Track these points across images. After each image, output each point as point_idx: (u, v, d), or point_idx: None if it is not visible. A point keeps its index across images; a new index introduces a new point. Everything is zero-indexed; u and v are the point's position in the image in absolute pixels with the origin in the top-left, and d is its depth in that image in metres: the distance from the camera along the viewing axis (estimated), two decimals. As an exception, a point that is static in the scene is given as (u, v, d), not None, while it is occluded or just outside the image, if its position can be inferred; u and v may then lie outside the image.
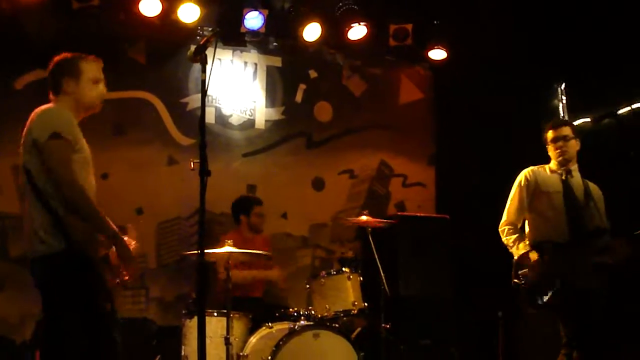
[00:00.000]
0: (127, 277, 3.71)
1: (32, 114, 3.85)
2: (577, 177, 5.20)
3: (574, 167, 5.23)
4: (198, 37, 7.56)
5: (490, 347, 6.87)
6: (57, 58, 4.00)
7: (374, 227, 6.13)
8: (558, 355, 4.93)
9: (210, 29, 7.58)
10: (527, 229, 5.22)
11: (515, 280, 5.01)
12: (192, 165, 3.40)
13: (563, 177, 5.14)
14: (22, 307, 6.43)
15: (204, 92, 3.22)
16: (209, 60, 3.32)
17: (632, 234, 4.74)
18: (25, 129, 3.83)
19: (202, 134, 3.23)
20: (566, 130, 5.21)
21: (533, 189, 5.16)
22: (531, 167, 5.26)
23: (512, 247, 5.10)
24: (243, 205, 7.02)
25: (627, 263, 4.78)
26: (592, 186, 5.21)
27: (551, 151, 5.23)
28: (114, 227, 3.71)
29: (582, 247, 4.85)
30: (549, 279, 4.77)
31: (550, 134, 5.23)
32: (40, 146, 3.65)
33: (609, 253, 4.78)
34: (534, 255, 4.93)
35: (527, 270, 4.92)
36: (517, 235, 5.12)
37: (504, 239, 5.17)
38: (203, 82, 3.24)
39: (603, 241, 4.87)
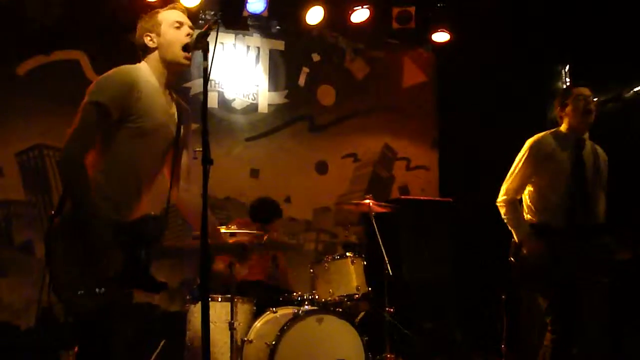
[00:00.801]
0: None
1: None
2: (587, 145, 4.90)
3: (586, 135, 4.93)
4: (201, 21, 7.54)
5: (493, 329, 6.87)
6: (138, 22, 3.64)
7: (377, 210, 6.14)
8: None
9: (212, 12, 7.58)
10: (524, 204, 4.94)
11: (512, 259, 4.86)
12: (195, 154, 3.35)
13: (577, 148, 4.82)
14: (27, 293, 6.47)
15: (206, 80, 3.17)
16: (211, 48, 3.27)
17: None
18: None
19: (204, 121, 3.17)
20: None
21: (541, 158, 4.81)
22: (539, 136, 4.91)
23: (513, 227, 4.85)
24: (266, 213, 6.81)
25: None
26: (600, 152, 4.96)
27: (575, 109, 4.82)
28: (93, 213, 3.25)
29: (584, 239, 4.67)
30: (549, 267, 4.62)
31: (580, 90, 4.87)
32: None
33: (622, 249, 4.70)
34: (538, 244, 4.71)
35: (525, 252, 4.74)
36: (519, 214, 4.86)
37: (504, 216, 4.90)
38: (205, 69, 3.19)
39: (605, 236, 4.72)
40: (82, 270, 3.20)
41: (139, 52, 3.58)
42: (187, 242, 6.56)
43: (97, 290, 3.20)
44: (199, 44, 3.36)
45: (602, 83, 6.77)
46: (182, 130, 3.66)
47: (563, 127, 4.94)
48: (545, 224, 4.76)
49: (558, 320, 4.63)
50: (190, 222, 3.83)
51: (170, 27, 3.56)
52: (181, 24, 3.57)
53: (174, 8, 3.64)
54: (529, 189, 4.90)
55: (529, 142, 4.89)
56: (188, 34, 3.54)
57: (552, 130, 4.97)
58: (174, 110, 3.64)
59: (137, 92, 3.39)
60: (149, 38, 3.55)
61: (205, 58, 3.23)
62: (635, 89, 6.65)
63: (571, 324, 4.62)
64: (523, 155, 4.87)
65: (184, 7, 3.70)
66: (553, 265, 4.61)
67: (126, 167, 3.44)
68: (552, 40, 7.40)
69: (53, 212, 3.34)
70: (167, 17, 3.58)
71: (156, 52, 3.55)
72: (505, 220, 4.90)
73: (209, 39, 3.30)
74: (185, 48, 3.49)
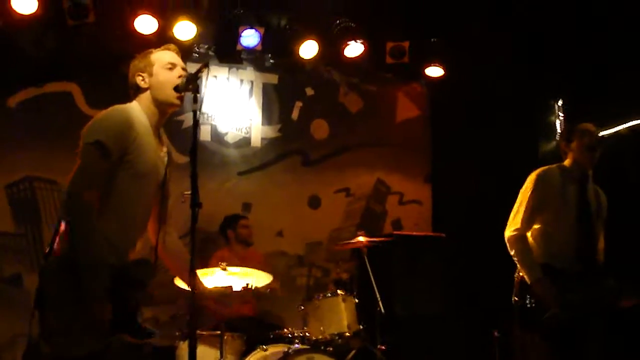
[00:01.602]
0: None
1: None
2: (590, 184, 4.88)
3: (590, 172, 4.91)
4: (195, 55, 7.57)
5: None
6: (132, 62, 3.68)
7: (369, 246, 6.12)
8: None
9: (206, 46, 7.59)
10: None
11: (516, 299, 4.73)
12: (183, 198, 3.32)
13: (582, 185, 4.80)
14: (13, 326, 6.36)
15: (195, 123, 3.14)
16: (202, 90, 3.26)
17: None
18: None
19: (194, 164, 3.13)
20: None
21: (547, 193, 4.76)
22: (545, 168, 4.86)
23: (525, 267, 4.67)
24: (228, 221, 7.10)
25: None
26: (601, 192, 4.95)
27: (580, 146, 4.79)
28: (99, 257, 3.22)
29: (590, 281, 4.61)
30: (556, 312, 4.51)
31: (586, 126, 4.84)
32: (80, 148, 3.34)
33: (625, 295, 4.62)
34: (551, 290, 4.56)
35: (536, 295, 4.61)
36: (530, 253, 4.70)
37: (514, 254, 4.73)
38: (195, 112, 3.17)
39: (610, 279, 4.65)
40: (74, 315, 3.14)
41: (131, 92, 3.58)
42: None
43: (88, 336, 3.15)
44: (190, 86, 3.35)
45: (594, 118, 6.81)
46: (167, 174, 3.68)
47: (567, 162, 4.90)
48: (551, 265, 4.67)
49: None
50: (168, 266, 3.81)
51: (163, 68, 3.57)
52: (174, 65, 3.60)
53: (167, 49, 3.67)
54: (536, 224, 4.80)
55: (535, 174, 4.83)
56: (180, 76, 3.54)
57: (557, 164, 4.92)
58: (164, 152, 3.67)
59: (134, 132, 3.40)
60: (140, 78, 3.56)
61: (195, 101, 3.20)
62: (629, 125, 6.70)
63: None
64: (530, 188, 4.79)
65: (177, 48, 3.72)
66: (560, 309, 4.50)
67: (124, 210, 3.42)
68: (545, 75, 7.44)
69: (47, 250, 3.31)
70: (160, 58, 3.60)
71: (148, 92, 3.57)
72: (516, 257, 4.75)
73: (199, 81, 3.29)
74: (176, 89, 3.47)
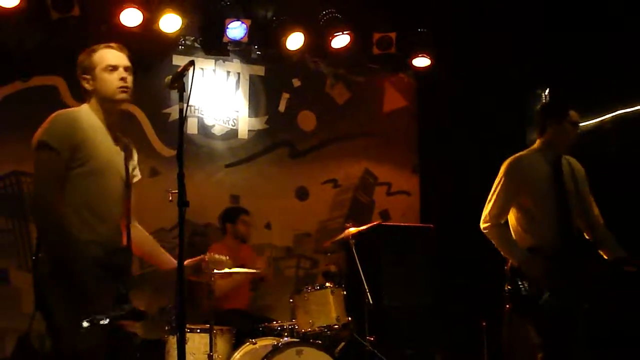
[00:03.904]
0: None
1: None
2: (563, 160, 4.85)
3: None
4: (180, 47, 7.54)
5: (475, 356, 6.85)
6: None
7: (357, 237, 6.14)
8: None
9: (192, 38, 7.56)
10: (511, 228, 4.84)
11: (509, 287, 4.66)
12: (170, 197, 3.35)
13: (557, 166, 4.78)
14: (3, 322, 6.36)
15: (182, 121, 3.15)
16: (187, 88, 3.26)
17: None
18: None
19: (180, 162, 3.15)
20: None
21: (522, 180, 4.71)
22: (514, 157, 4.81)
23: (508, 251, 4.68)
24: (230, 213, 7.09)
25: None
26: (575, 165, 4.92)
27: (565, 131, 4.77)
28: (78, 265, 3.34)
29: (577, 259, 4.60)
30: (547, 297, 4.49)
31: (575, 116, 4.79)
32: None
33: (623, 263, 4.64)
34: (539, 264, 4.54)
35: (527, 274, 4.58)
36: (510, 237, 4.73)
37: (495, 241, 4.72)
38: (181, 111, 3.17)
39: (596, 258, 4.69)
40: (77, 311, 3.25)
41: (82, 91, 3.69)
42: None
43: (94, 327, 3.26)
44: (176, 84, 3.35)
45: (581, 107, 6.85)
46: (129, 169, 3.75)
47: (540, 142, 4.87)
48: (536, 248, 4.65)
49: (551, 356, 4.58)
50: (144, 257, 4.03)
51: (104, 72, 3.62)
52: (115, 67, 3.63)
53: (109, 47, 3.68)
54: (514, 211, 4.78)
55: (505, 165, 4.80)
56: (122, 78, 3.61)
57: (527, 150, 4.90)
58: (121, 149, 3.74)
59: (80, 132, 3.49)
60: (85, 81, 3.64)
61: (181, 99, 3.21)
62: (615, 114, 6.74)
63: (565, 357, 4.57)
64: (501, 179, 4.77)
65: (119, 46, 3.74)
66: (550, 295, 4.50)
67: (89, 206, 3.51)
68: (533, 64, 7.45)
69: (37, 254, 3.41)
70: (101, 59, 3.63)
71: (94, 95, 3.64)
72: (497, 245, 4.73)
73: (185, 79, 3.29)
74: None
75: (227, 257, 4.10)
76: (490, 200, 4.78)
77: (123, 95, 3.63)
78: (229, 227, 6.99)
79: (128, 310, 3.45)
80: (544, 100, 7.65)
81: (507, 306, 4.75)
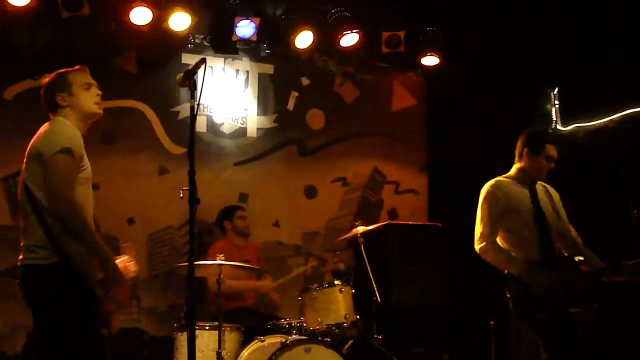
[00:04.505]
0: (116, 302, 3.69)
1: (41, 128, 3.87)
2: (539, 186, 5.07)
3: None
4: (189, 45, 7.57)
5: (482, 355, 6.85)
6: (44, 80, 4.02)
7: (365, 236, 6.15)
8: None
9: (201, 36, 7.59)
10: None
11: (508, 294, 4.87)
12: (181, 194, 3.39)
13: (532, 191, 5.01)
14: (13, 319, 6.41)
15: (193, 118, 3.17)
16: (198, 86, 3.28)
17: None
18: (31, 143, 3.82)
19: (191, 159, 3.18)
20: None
21: (503, 203, 4.89)
22: (494, 180, 5.02)
23: (506, 264, 4.81)
24: (225, 212, 7.11)
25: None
26: (550, 190, 5.13)
27: (539, 165, 4.98)
28: (107, 250, 3.68)
29: (560, 267, 4.76)
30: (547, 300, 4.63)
31: (552, 151, 4.98)
32: (45, 159, 3.63)
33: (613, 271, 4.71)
34: (540, 273, 4.68)
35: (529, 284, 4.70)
36: (505, 251, 4.87)
37: (491, 259, 4.88)
38: (192, 108, 3.19)
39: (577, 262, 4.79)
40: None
41: (47, 106, 3.97)
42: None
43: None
44: (187, 82, 3.38)
45: (590, 106, 6.85)
46: None
47: (515, 170, 5.08)
48: (527, 259, 4.80)
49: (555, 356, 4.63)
50: None
51: (81, 89, 3.94)
52: (90, 85, 3.99)
53: (83, 70, 4.05)
54: (500, 233, 4.94)
55: (485, 188, 4.99)
56: (97, 94, 3.98)
57: (503, 175, 5.08)
58: None
59: (81, 139, 3.79)
60: (60, 97, 3.90)
61: (193, 97, 3.23)
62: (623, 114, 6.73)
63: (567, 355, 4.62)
64: (484, 202, 4.96)
65: (88, 69, 4.09)
66: (549, 298, 4.60)
67: (81, 208, 3.71)
68: (541, 63, 7.44)
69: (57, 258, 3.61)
70: (77, 79, 3.97)
71: (69, 109, 3.90)
72: (495, 262, 4.89)
73: (196, 77, 3.32)
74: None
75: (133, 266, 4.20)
76: (480, 223, 4.96)
77: (100, 110, 3.99)
78: (227, 224, 7.01)
79: None
80: (552, 99, 7.64)
81: (510, 309, 4.90)
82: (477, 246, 4.94)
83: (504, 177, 5.07)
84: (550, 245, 4.87)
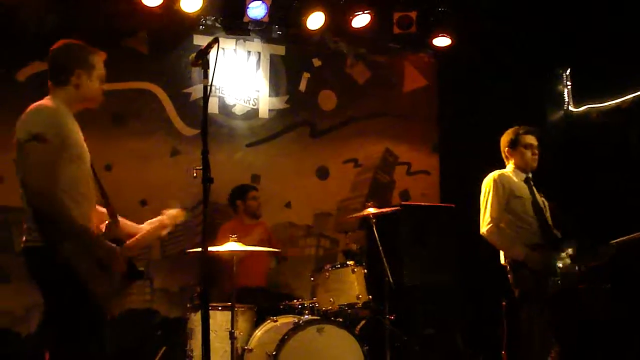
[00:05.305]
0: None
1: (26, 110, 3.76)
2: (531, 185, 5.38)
3: (530, 175, 5.40)
4: (201, 27, 7.55)
5: (494, 335, 6.86)
6: (64, 43, 3.87)
7: (377, 217, 6.16)
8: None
9: (213, 18, 7.56)
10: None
11: (511, 278, 5.11)
12: (195, 174, 3.40)
13: (528, 184, 5.33)
14: (28, 299, 6.43)
15: (206, 98, 3.18)
16: (211, 66, 3.27)
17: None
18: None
19: (205, 140, 3.19)
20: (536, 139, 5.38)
21: (508, 193, 5.20)
22: (498, 172, 5.33)
23: (509, 248, 5.10)
24: (238, 191, 7.15)
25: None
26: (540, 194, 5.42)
27: (522, 156, 5.33)
28: (90, 232, 3.65)
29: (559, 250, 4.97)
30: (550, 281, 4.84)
31: (528, 139, 5.34)
32: (19, 147, 3.58)
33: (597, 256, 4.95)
34: (542, 255, 4.93)
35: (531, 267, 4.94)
36: (508, 235, 5.12)
37: (495, 242, 5.15)
38: (205, 87, 3.20)
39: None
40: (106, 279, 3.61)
41: (56, 76, 3.81)
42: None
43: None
44: (200, 61, 3.38)
45: (601, 87, 6.82)
46: None
47: (510, 167, 5.41)
48: (527, 244, 5.03)
49: (563, 334, 4.71)
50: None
51: (97, 79, 3.84)
52: (103, 78, 3.89)
53: (103, 58, 3.93)
54: (506, 217, 5.19)
55: (493, 176, 5.28)
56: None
57: (503, 169, 5.40)
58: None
59: (64, 123, 3.64)
60: (76, 75, 3.76)
61: (206, 76, 3.23)
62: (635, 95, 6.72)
63: (576, 336, 4.70)
64: (491, 189, 5.22)
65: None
66: (553, 278, 4.82)
67: (77, 191, 3.68)
68: (553, 44, 7.39)
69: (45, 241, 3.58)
70: (99, 66, 3.87)
71: (72, 87, 3.77)
72: (498, 245, 5.17)
73: (209, 57, 3.31)
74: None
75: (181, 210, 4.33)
76: (485, 209, 5.21)
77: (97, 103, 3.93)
78: (240, 203, 7.06)
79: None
80: (564, 80, 7.62)
81: (516, 295, 5.17)
82: (484, 228, 5.18)
83: (504, 169, 5.40)
84: (550, 231, 5.16)
